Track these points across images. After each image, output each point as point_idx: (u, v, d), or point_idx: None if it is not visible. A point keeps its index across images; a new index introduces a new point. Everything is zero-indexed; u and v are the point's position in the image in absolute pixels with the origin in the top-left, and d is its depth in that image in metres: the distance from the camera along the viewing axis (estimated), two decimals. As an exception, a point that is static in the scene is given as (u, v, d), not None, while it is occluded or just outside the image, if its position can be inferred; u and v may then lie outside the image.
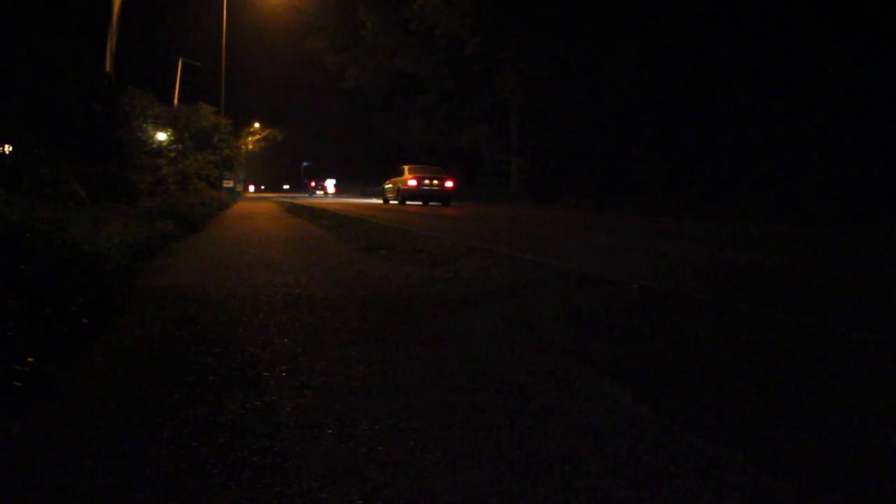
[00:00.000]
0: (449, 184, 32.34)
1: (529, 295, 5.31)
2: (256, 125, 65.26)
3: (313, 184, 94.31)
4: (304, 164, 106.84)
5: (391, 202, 34.15)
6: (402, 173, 32.91)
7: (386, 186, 36.40)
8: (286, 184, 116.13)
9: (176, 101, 37.35)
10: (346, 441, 2.29)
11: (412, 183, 31.48)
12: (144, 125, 27.35)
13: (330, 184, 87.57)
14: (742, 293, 5.65)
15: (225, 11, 34.15)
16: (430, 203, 31.49)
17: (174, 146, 30.31)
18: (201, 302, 4.96)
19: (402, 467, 2.09)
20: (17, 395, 2.48)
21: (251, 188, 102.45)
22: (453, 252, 8.12)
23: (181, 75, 40.57)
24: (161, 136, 29.13)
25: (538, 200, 33.97)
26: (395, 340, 3.81)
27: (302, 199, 50.41)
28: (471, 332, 4.05)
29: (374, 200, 42.67)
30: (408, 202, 31.59)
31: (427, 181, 31.61)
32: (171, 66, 41.03)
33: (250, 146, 63.96)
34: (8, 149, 17.31)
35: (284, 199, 45.73)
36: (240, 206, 28.72)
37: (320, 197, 69.46)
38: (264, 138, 66.07)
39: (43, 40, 16.19)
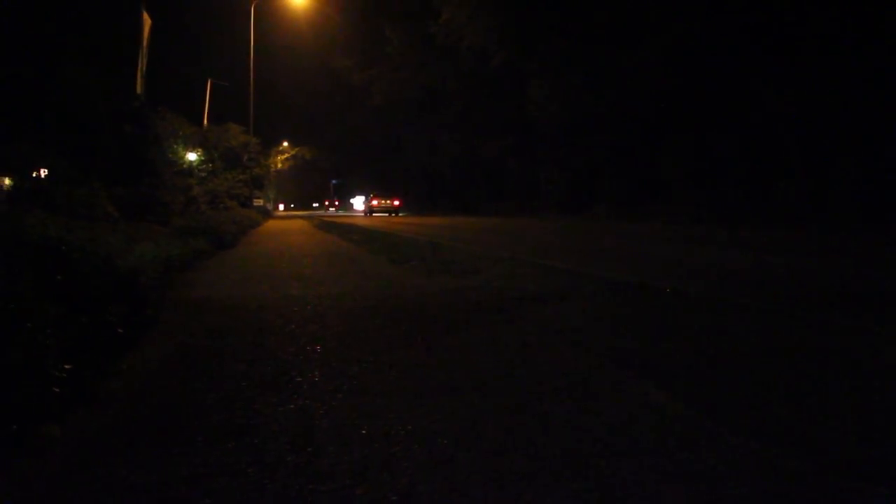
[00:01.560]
0: (396, 202, 50.54)
1: (561, 301, 5.27)
2: (285, 144, 65.86)
3: (332, 202, 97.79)
4: (333, 181, 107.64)
5: (367, 214, 51.69)
6: (370, 197, 53.53)
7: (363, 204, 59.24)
8: (315, 202, 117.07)
9: (206, 121, 37.83)
10: (380, 440, 2.29)
11: (374, 203, 50.91)
12: (175, 145, 27.67)
13: (358, 201, 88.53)
14: (770, 295, 5.57)
15: (252, 32, 34.62)
16: (389, 214, 48.57)
17: (204, 166, 30.63)
18: (233, 313, 5.00)
19: (435, 466, 2.08)
20: (56, 400, 2.51)
21: (281, 207, 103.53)
22: (483, 262, 8.10)
23: (210, 96, 41.12)
24: (191, 156, 29.44)
25: (566, 212, 33.85)
26: (427, 346, 3.80)
27: (330, 216, 51.30)
28: (503, 337, 4.03)
29: (397, 217, 43.04)
30: (374, 213, 48.97)
31: (383, 201, 50.60)
32: (200, 87, 41.63)
33: (279, 165, 64.51)
34: (44, 172, 17.65)
35: (314, 216, 46.10)
36: (270, 224, 28.95)
37: (341, 214, 70.69)
38: (293, 157, 66.62)
39: (76, 64, 16.52)
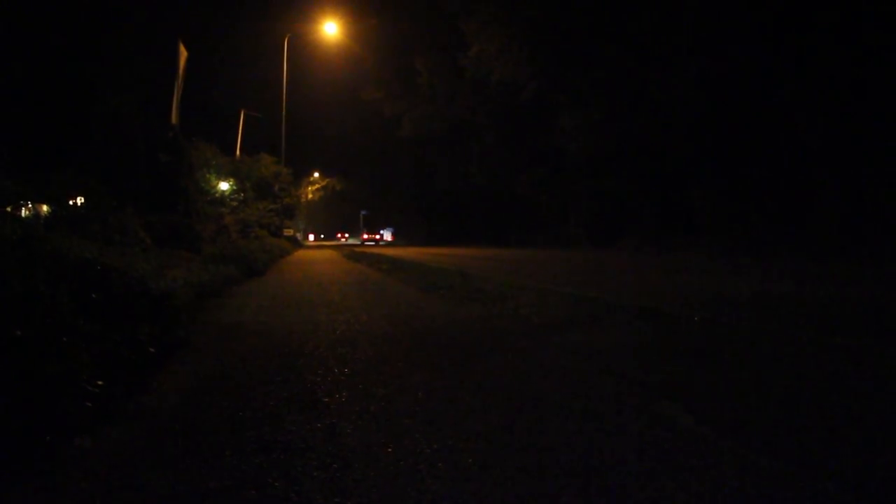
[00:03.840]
0: (381, 234, 68.84)
1: (588, 328, 5.26)
2: (316, 174, 66.54)
3: (342, 234, 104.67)
4: (363, 212, 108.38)
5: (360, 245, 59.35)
6: (362, 231, 72.83)
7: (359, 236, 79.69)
8: (346, 232, 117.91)
9: (238, 151, 38.34)
10: (406, 458, 2.30)
11: (365, 236, 70.07)
12: (208, 175, 28.10)
13: (387, 232, 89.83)
14: (801, 324, 5.49)
15: (285, 65, 35.19)
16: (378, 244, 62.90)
17: (236, 195, 31.02)
18: (263, 336, 5.05)
19: (461, 483, 2.08)
20: (88, 414, 2.56)
21: (311, 237, 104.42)
22: (511, 291, 8.10)
23: (243, 126, 41.69)
24: (224, 186, 29.86)
25: (596, 244, 33.73)
26: (454, 370, 3.81)
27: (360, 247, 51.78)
28: (530, 362, 4.03)
29: (426, 248, 43.11)
30: (366, 244, 61.23)
31: (374, 235, 70.24)
32: (233, 117, 42.25)
33: (310, 195, 65.18)
34: (80, 200, 18.00)
35: (344, 246, 46.47)
36: (300, 254, 29.17)
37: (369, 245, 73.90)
38: (323, 188, 67.30)
39: (114, 95, 16.91)
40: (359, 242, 73.40)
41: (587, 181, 37.28)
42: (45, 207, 13.71)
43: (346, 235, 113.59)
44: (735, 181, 26.01)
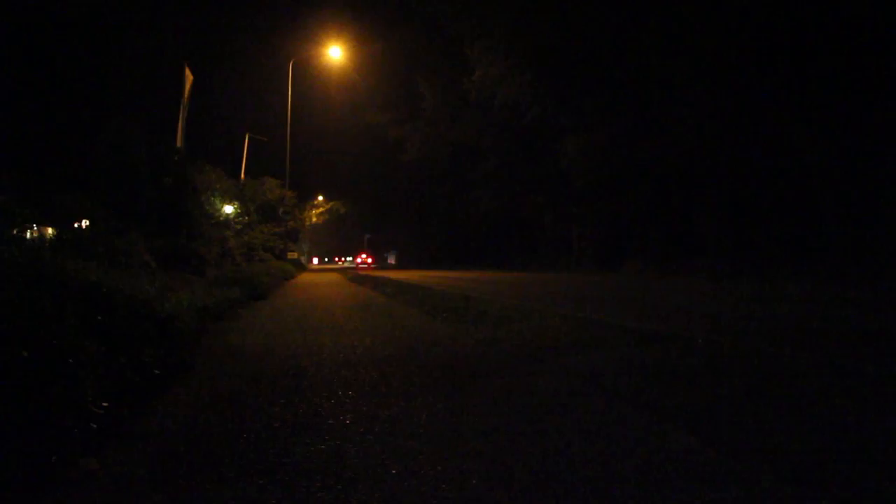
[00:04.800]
0: (370, 260, 74.22)
1: (591, 350, 5.25)
2: (320, 198, 66.64)
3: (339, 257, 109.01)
4: (367, 235, 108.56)
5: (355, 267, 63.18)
6: (355, 257, 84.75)
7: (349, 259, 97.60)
8: (349, 255, 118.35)
9: (243, 174, 38.46)
10: (410, 480, 2.30)
11: (358, 260, 76.05)
12: (212, 198, 28.16)
13: (390, 256, 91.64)
14: (796, 344, 5.48)
15: (290, 89, 35.42)
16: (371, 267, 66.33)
17: (240, 218, 31.10)
18: (267, 359, 5.05)
19: (465, 504, 2.08)
20: (93, 435, 2.56)
21: (315, 260, 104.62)
22: (516, 314, 8.09)
23: (248, 149, 41.87)
24: (228, 209, 29.92)
25: (600, 267, 33.68)
26: (458, 392, 3.81)
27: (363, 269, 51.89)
28: (536, 384, 4.02)
29: (430, 272, 43.10)
30: (359, 267, 64.83)
31: (364, 257, 74.90)
32: (238, 140, 42.41)
33: (314, 219, 65.26)
34: (85, 223, 18.06)
35: (347, 269, 46.46)
36: (304, 277, 29.21)
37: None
38: (327, 211, 67.40)
39: (120, 118, 17.01)
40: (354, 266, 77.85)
41: (590, 204, 37.30)
42: (49, 230, 13.76)
43: (344, 259, 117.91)
44: (739, 204, 26.01)
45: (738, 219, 26.14)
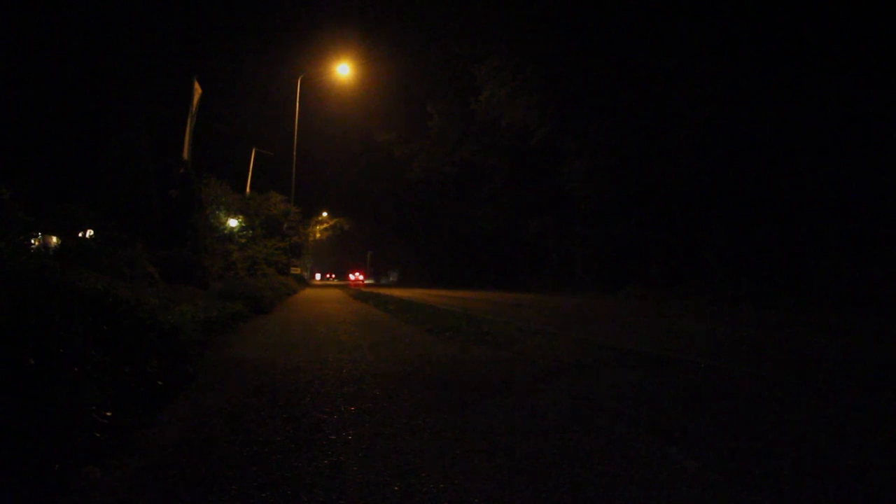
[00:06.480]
0: (361, 277, 78.51)
1: (594, 372, 5.25)
2: (324, 214, 66.76)
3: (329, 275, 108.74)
4: (370, 252, 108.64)
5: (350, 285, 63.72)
6: (347, 274, 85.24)
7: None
8: (341, 273, 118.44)
9: (248, 188, 38.54)
10: (413, 496, 2.30)
11: (352, 277, 78.21)
12: (217, 212, 28.23)
13: (392, 274, 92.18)
14: (795, 371, 5.47)
15: (297, 105, 35.57)
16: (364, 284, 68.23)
17: (245, 232, 31.14)
18: (270, 373, 5.05)
19: (467, 523, 2.08)
20: (97, 444, 2.57)
21: (317, 276, 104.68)
22: (518, 334, 8.09)
23: (254, 164, 41.95)
24: (233, 223, 29.96)
25: (603, 290, 33.62)
26: (460, 411, 3.80)
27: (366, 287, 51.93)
28: (537, 405, 4.02)
29: (432, 290, 43.08)
30: (351, 285, 62.27)
31: (357, 275, 78.11)
32: (244, 154, 42.53)
33: (318, 235, 65.33)
34: (90, 233, 18.11)
35: (350, 286, 46.49)
36: (307, 292, 29.22)
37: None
38: (331, 227, 67.48)
39: (128, 130, 17.08)
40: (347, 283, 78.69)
41: (594, 227, 37.32)
42: (54, 239, 13.80)
43: (334, 276, 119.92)
44: (742, 230, 26.01)
45: (740, 245, 26.11)
